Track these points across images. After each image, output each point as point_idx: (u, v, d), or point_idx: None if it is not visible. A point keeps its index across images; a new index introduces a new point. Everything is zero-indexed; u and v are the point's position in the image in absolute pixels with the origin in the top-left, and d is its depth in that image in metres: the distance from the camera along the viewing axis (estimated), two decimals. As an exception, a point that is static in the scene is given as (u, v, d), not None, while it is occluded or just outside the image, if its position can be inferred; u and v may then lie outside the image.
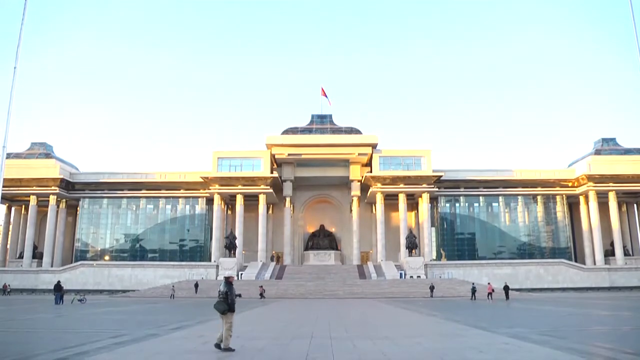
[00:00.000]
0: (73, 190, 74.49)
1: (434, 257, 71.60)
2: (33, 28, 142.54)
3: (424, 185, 69.56)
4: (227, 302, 12.27)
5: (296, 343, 13.92)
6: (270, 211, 75.13)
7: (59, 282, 44.84)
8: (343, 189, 77.56)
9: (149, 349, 13.13)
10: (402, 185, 69.52)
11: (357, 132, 74.06)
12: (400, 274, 62.33)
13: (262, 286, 51.13)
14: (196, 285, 56.01)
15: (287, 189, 73.94)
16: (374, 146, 70.84)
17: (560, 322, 21.65)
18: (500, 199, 74.99)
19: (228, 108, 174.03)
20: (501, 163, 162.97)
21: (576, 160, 78.05)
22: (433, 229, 73.62)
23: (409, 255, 64.44)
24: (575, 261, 72.70)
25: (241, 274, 63.14)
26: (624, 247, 71.87)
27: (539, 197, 74.47)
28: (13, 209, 78.50)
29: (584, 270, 67.85)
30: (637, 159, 72.23)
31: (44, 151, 75.67)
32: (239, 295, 13.22)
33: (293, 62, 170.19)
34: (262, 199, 70.06)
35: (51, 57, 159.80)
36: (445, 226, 74.55)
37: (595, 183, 70.44)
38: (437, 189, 71.33)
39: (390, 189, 69.74)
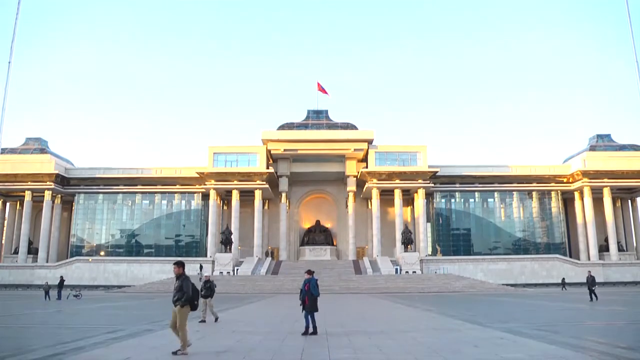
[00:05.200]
0: (68, 186, 74.23)
1: (430, 253, 71.84)
2: (28, 24, 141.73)
3: (420, 181, 69.68)
4: None
5: (292, 338, 13.97)
6: (266, 206, 75.12)
7: (61, 277, 45.09)
8: (339, 184, 77.60)
9: (145, 344, 13.14)
10: (397, 181, 69.63)
11: (353, 127, 74.08)
12: (396, 269, 62.53)
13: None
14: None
15: (283, 184, 73.90)
16: (369, 142, 70.84)
17: (555, 316, 21.79)
18: (496, 194, 75.25)
19: (224, 103, 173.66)
20: (497, 159, 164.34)
21: (571, 156, 78.34)
22: (429, 224, 73.76)
23: (405, 251, 64.64)
24: (570, 256, 73.13)
25: (237, 270, 63.18)
26: (618, 242, 72.33)
27: (534, 193, 74.77)
28: (8, 204, 78.17)
29: (578, 265, 68.24)
30: (631, 155, 72.58)
31: (38, 146, 75.33)
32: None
33: (289, 57, 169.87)
34: (257, 195, 70.01)
35: (46, 53, 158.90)
36: (440, 222, 74.78)
37: (590, 179, 70.74)
38: (432, 185, 71.48)
39: (386, 184, 69.81)
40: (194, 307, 11.49)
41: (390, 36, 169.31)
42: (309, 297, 14.59)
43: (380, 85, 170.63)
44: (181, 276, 11.38)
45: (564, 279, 57.53)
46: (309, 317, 14.57)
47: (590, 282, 32.08)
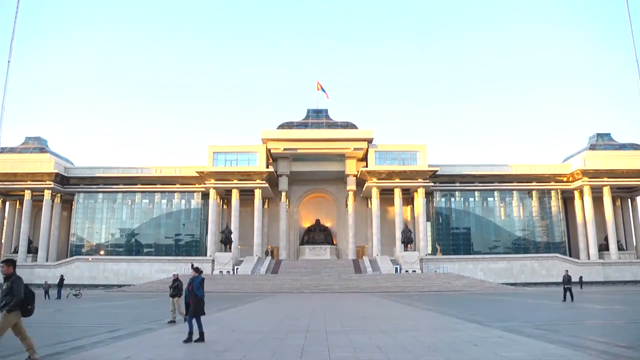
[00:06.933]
0: (68, 185, 74.19)
1: (430, 252, 71.86)
2: (28, 24, 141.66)
3: (420, 180, 69.66)
4: None
5: (292, 337, 13.98)
6: (265, 205, 75.13)
7: (61, 276, 45.18)
8: (339, 183, 77.59)
9: (145, 343, 13.15)
10: (397, 180, 69.63)
11: (353, 126, 74.08)
12: (396, 269, 62.56)
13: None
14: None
15: (283, 183, 73.90)
16: (369, 141, 70.84)
17: (554, 315, 21.80)
18: (496, 193, 75.26)
19: (224, 102, 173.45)
20: (497, 158, 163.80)
21: (571, 155, 78.34)
22: (429, 223, 73.75)
23: (405, 250, 64.65)
24: (570, 256, 73.15)
25: (237, 269, 63.21)
26: (618, 241, 72.33)
27: (534, 192, 74.76)
28: (7, 203, 78.10)
29: (578, 264, 68.28)
30: (631, 154, 72.57)
31: (38, 145, 75.29)
32: None
33: (289, 56, 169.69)
34: (257, 194, 70.01)
35: (46, 52, 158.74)
36: (440, 221, 74.78)
37: (590, 178, 70.73)
38: (432, 184, 71.48)
39: (386, 183, 69.82)
40: (27, 313, 9.76)
41: (390, 36, 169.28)
42: (193, 298, 13.05)
43: (380, 85, 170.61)
44: (11, 276, 9.61)
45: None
46: (193, 320, 12.96)
47: (566, 282, 32.53)
